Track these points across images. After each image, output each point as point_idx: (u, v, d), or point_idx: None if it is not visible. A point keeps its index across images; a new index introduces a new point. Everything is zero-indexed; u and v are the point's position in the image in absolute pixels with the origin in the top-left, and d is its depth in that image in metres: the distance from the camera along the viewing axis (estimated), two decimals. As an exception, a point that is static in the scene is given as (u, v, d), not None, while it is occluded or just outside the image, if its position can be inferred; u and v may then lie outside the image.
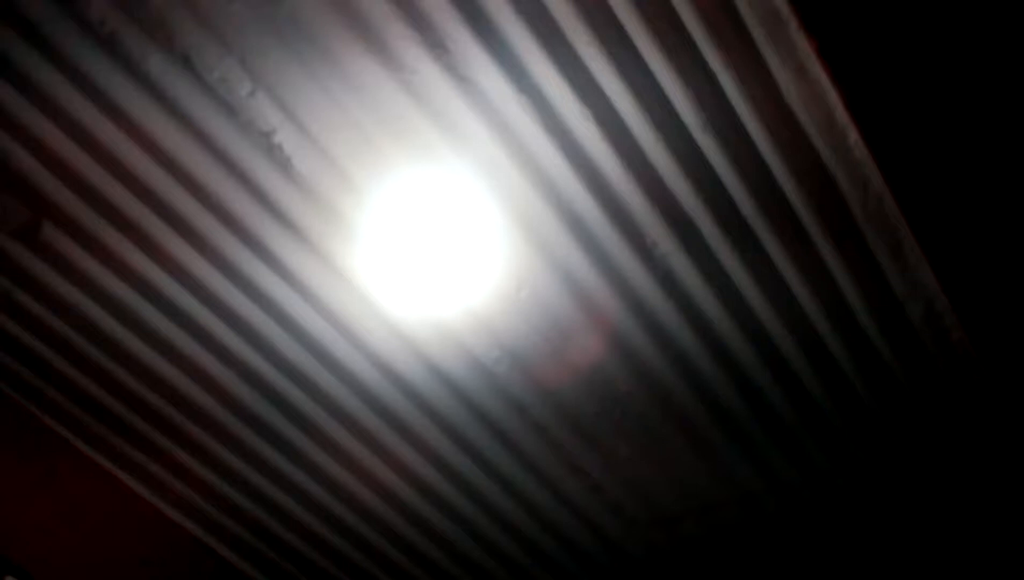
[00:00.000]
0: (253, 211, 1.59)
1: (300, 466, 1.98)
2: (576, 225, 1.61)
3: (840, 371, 1.81)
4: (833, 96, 1.43)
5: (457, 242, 1.64)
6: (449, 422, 1.90)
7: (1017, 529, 2.10)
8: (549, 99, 1.46)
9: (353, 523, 2.11)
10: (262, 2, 1.36)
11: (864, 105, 1.45)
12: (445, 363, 1.80)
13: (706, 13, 1.34)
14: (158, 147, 1.51)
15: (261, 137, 1.51)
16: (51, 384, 1.81)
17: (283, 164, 1.53)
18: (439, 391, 1.84)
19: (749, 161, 1.52)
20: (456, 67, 1.42)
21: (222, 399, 1.85)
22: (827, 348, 1.77)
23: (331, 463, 1.97)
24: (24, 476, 1.92)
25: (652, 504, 2.07)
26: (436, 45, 1.40)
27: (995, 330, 1.73)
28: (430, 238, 1.64)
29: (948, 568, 2.20)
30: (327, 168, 1.54)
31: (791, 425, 1.91)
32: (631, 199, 1.58)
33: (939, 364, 1.77)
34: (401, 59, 1.42)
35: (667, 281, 1.69)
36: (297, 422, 1.90)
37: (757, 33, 1.36)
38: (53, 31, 1.37)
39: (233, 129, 1.50)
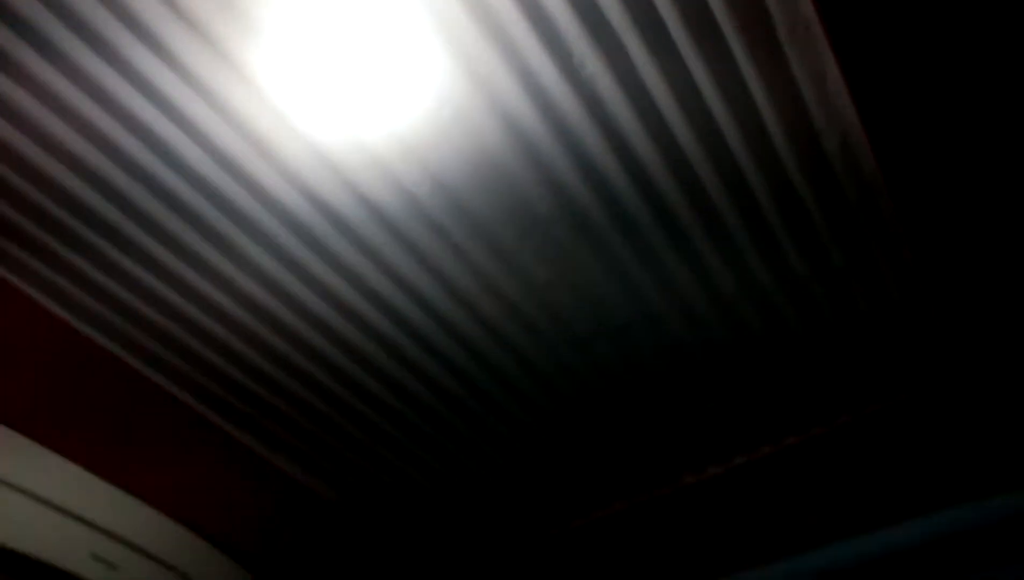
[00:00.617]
0: (157, 10, 1.47)
1: (209, 280, 1.95)
2: (501, 40, 1.56)
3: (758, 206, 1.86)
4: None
5: (375, 51, 1.58)
6: (366, 241, 1.89)
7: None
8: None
9: (271, 340, 2.12)
10: None
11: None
12: (361, 180, 1.77)
13: None
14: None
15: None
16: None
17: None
18: (356, 210, 1.82)
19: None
20: None
21: (127, 210, 1.78)
22: (742, 173, 1.81)
23: (246, 280, 1.95)
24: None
25: (567, 326, 2.13)
26: None
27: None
28: (347, 48, 1.57)
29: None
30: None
31: (703, 253, 1.98)
32: (559, 14, 1.53)
33: (853, 198, 1.84)
34: None
35: (592, 103, 1.67)
36: (211, 239, 1.85)
37: None
38: None
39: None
